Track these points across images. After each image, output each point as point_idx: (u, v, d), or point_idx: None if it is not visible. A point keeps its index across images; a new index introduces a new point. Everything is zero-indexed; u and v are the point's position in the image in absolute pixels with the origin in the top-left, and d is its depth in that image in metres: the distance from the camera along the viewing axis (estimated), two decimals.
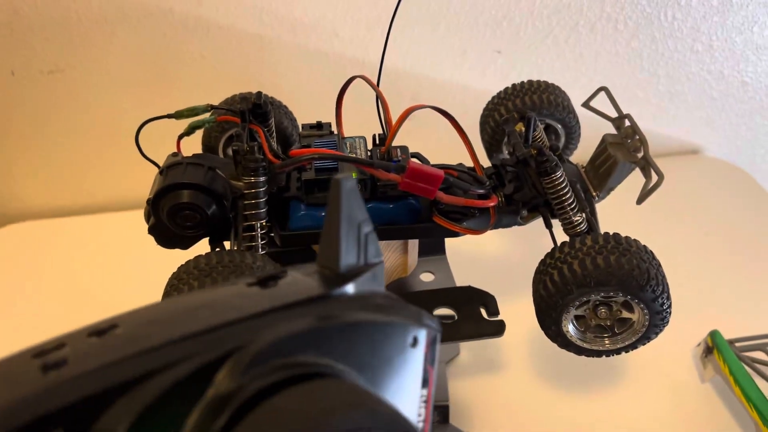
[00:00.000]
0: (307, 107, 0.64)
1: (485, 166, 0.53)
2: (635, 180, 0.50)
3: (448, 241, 0.62)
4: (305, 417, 0.18)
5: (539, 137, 0.53)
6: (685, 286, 0.75)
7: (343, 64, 0.83)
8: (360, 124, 0.56)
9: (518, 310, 0.54)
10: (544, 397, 0.66)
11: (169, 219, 0.46)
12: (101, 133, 0.86)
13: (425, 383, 0.26)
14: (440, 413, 0.64)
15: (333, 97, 0.52)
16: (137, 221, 0.50)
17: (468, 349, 0.70)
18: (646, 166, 0.48)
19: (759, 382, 0.62)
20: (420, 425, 0.27)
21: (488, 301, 0.54)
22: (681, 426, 0.64)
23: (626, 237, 0.46)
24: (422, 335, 0.25)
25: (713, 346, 0.66)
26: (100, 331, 0.21)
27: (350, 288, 0.25)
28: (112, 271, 0.80)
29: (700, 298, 0.76)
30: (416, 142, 0.56)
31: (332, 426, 0.18)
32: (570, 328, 0.46)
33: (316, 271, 0.25)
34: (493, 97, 0.61)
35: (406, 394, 0.25)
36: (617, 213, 0.57)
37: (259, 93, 0.51)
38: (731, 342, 0.66)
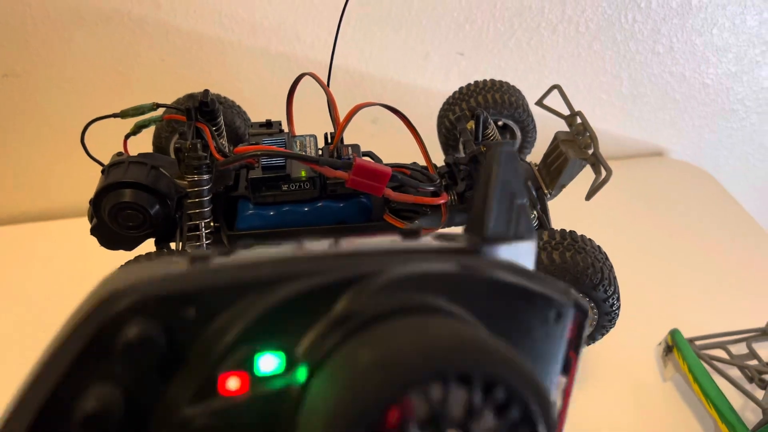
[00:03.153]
0: (269, 110, 0.63)
1: (440, 165, 0.53)
2: (607, 184, 0.49)
3: None
4: (418, 345, 0.18)
5: (492, 135, 0.53)
6: (648, 286, 0.76)
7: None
8: (315, 125, 0.55)
9: None
10: None
11: (110, 219, 0.45)
12: (59, 138, 0.84)
13: (566, 370, 0.25)
14: None
15: (294, 100, 0.52)
16: None
17: None
18: (596, 162, 0.48)
19: (718, 380, 0.62)
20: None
21: None
22: (642, 424, 0.64)
23: (581, 235, 0.45)
24: (568, 312, 0.23)
25: (673, 345, 0.66)
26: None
27: (498, 251, 0.23)
28: (71, 277, 0.78)
29: (662, 298, 0.76)
30: (377, 144, 0.56)
31: (451, 360, 0.18)
32: None
33: (462, 234, 0.24)
34: (450, 97, 0.61)
35: (543, 372, 0.24)
36: (580, 214, 0.57)
37: (206, 91, 0.50)
38: (691, 340, 0.66)
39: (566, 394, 0.25)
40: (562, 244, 0.43)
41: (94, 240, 0.48)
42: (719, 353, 0.65)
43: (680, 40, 0.88)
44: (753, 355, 0.65)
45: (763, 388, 0.60)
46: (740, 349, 0.66)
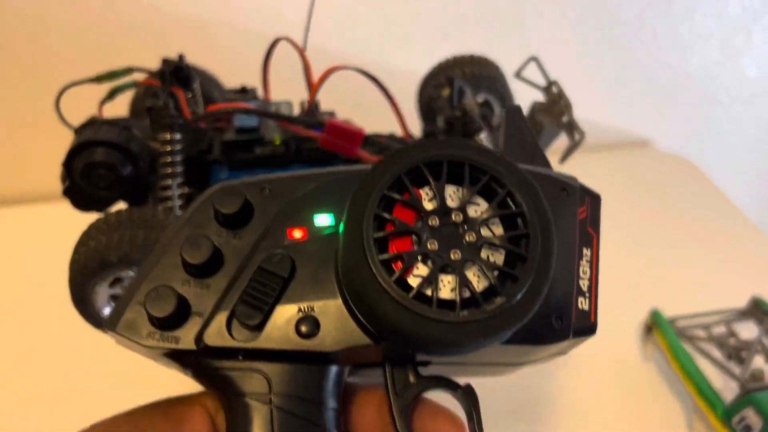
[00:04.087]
0: (247, 83, 0.63)
1: (419, 137, 0.53)
2: (593, 172, 0.49)
3: None
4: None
5: (469, 105, 0.53)
6: (630, 269, 0.76)
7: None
8: (291, 95, 0.55)
9: None
10: (489, 381, 0.66)
11: (82, 179, 0.44)
12: (35, 111, 0.83)
13: (588, 244, 0.29)
14: None
15: (276, 77, 0.51)
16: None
17: None
18: (570, 128, 0.48)
19: (698, 358, 0.62)
20: (586, 283, 0.29)
21: None
22: (623, 401, 0.64)
23: None
24: (573, 189, 0.29)
25: (653, 325, 0.66)
26: None
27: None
28: (54, 260, 0.77)
29: (643, 280, 0.76)
30: (359, 124, 0.55)
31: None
32: None
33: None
34: (429, 70, 0.61)
35: (560, 238, 0.27)
36: None
37: (181, 56, 0.50)
38: (671, 320, 0.66)
39: (593, 261, 0.29)
40: None
41: (69, 223, 0.48)
42: (699, 333, 0.65)
43: (664, 25, 0.89)
44: (732, 334, 0.65)
45: (741, 364, 0.60)
46: (720, 328, 0.66)
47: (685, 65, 0.93)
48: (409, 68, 0.87)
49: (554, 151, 0.54)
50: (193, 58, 0.60)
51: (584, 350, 0.66)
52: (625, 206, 0.88)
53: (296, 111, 0.51)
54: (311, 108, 0.47)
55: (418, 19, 0.83)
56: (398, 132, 0.52)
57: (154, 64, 0.61)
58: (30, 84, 0.82)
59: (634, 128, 1.00)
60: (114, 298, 0.43)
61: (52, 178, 0.88)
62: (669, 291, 0.74)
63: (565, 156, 0.46)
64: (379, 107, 0.52)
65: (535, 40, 0.87)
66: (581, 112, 0.53)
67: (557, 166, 0.52)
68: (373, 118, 0.72)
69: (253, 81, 0.72)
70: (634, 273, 0.76)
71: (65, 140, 0.49)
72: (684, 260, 0.80)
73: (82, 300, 0.42)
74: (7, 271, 0.77)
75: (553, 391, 0.65)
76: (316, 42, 0.80)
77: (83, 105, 0.50)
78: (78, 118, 0.49)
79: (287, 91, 0.59)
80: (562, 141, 0.53)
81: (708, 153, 1.04)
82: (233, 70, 0.82)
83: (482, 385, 0.63)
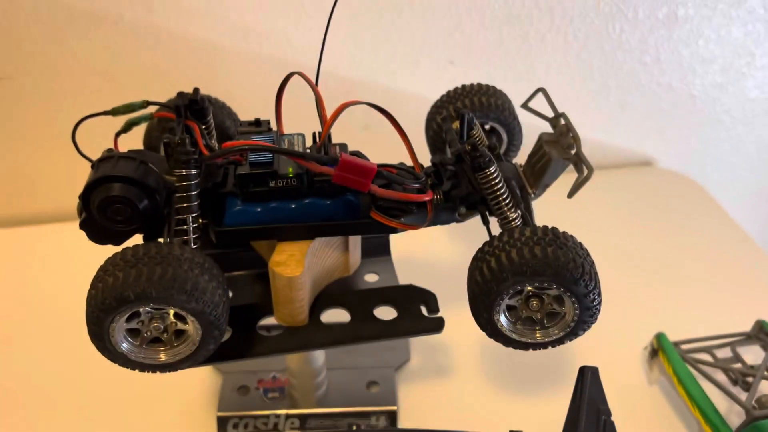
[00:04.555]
0: (259, 113, 0.64)
1: (427, 166, 0.54)
2: (597, 192, 0.50)
3: (397, 245, 0.62)
4: None
5: (477, 135, 0.54)
6: (634, 291, 0.77)
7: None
8: (304, 126, 0.56)
9: (469, 316, 0.53)
10: (494, 400, 0.66)
11: (99, 213, 0.45)
12: (51, 142, 0.85)
13: None
14: (388, 418, 0.63)
15: (285, 103, 0.52)
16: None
17: (418, 354, 0.70)
18: (578, 161, 0.48)
19: (703, 383, 0.62)
20: None
21: (428, 298, 0.54)
22: (627, 427, 0.63)
23: (563, 232, 0.46)
24: None
25: (659, 348, 0.66)
26: None
27: None
28: (65, 281, 0.78)
29: (648, 302, 0.77)
30: (366, 151, 0.56)
31: None
32: (501, 318, 0.46)
33: None
34: (438, 100, 0.61)
35: None
36: (568, 222, 0.58)
37: (196, 89, 0.51)
38: (676, 344, 0.66)
39: None
40: (544, 239, 0.44)
41: (83, 244, 0.48)
42: (704, 357, 0.66)
43: (667, 50, 0.90)
44: (737, 358, 0.65)
45: (746, 390, 0.61)
46: (725, 353, 0.66)
47: (688, 87, 0.94)
48: (414, 91, 0.89)
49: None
50: (206, 88, 0.61)
51: None
52: (629, 225, 0.89)
53: (308, 141, 0.52)
54: (324, 142, 0.48)
55: (424, 47, 0.85)
56: (407, 161, 0.53)
57: (168, 95, 0.62)
58: (44, 108, 0.83)
59: (637, 148, 1.01)
60: (130, 332, 0.44)
61: (61, 198, 0.89)
62: (673, 313, 0.75)
63: (574, 191, 0.47)
64: (386, 130, 0.52)
65: (539, 64, 0.88)
66: (585, 131, 0.53)
67: (570, 212, 0.53)
68: (381, 140, 0.73)
69: (265, 107, 0.73)
70: (637, 295, 0.77)
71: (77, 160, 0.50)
72: (688, 282, 0.80)
73: (99, 334, 0.43)
74: (25, 289, 0.78)
75: (557, 414, 0.65)
76: (326, 68, 0.81)
77: (98, 135, 0.51)
78: (92, 147, 0.50)
79: (299, 117, 0.60)
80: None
81: (709, 173, 1.05)
82: (245, 97, 0.83)
83: (484, 411, 0.63)
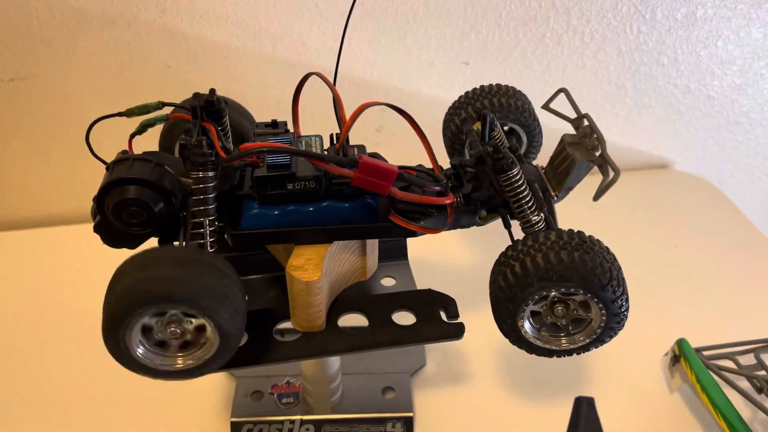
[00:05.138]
0: (274, 114, 0.63)
1: (446, 168, 0.52)
2: (612, 196, 0.49)
3: (413, 249, 0.61)
4: None
5: (498, 137, 0.53)
6: (654, 296, 0.75)
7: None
8: (321, 127, 0.55)
9: (485, 321, 0.52)
10: (511, 407, 0.65)
11: (114, 216, 0.44)
12: (64, 142, 0.84)
13: None
14: (404, 425, 0.62)
15: (299, 105, 0.52)
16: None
17: (434, 360, 0.69)
18: (603, 163, 0.47)
19: (726, 390, 0.61)
20: None
21: (448, 303, 0.52)
22: None
23: (590, 236, 0.45)
24: None
25: (680, 355, 0.65)
26: None
27: None
28: (80, 284, 0.77)
29: (668, 308, 0.75)
30: (382, 153, 0.55)
31: None
32: (525, 324, 0.45)
33: None
34: (456, 100, 0.60)
35: None
36: (586, 225, 0.57)
37: (212, 90, 0.50)
38: (698, 350, 0.65)
39: None
40: (570, 243, 0.43)
41: (96, 247, 0.48)
42: (727, 363, 0.64)
43: (685, 51, 0.88)
44: (761, 365, 0.64)
45: None
46: (748, 359, 0.65)
47: (706, 89, 0.93)
48: (429, 92, 0.88)
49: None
50: (220, 89, 0.60)
51: (608, 382, 0.66)
52: (647, 229, 0.88)
53: (326, 143, 0.51)
54: (343, 144, 0.47)
55: (439, 46, 0.84)
56: (426, 163, 0.51)
57: (180, 97, 0.61)
58: (57, 109, 0.83)
59: (653, 150, 1.00)
60: (146, 337, 0.42)
61: (75, 201, 0.88)
62: (693, 319, 0.73)
63: (600, 194, 0.45)
64: (400, 131, 0.51)
65: (555, 65, 0.87)
66: (601, 133, 0.52)
67: (589, 216, 0.52)
68: (394, 141, 0.72)
69: (278, 109, 0.72)
70: (657, 300, 0.75)
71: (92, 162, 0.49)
72: (708, 286, 0.79)
73: (115, 338, 0.42)
74: (38, 291, 0.77)
75: None
76: (341, 69, 0.81)
77: (112, 137, 0.50)
78: (107, 149, 0.49)
79: (314, 119, 0.59)
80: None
81: (726, 176, 1.03)
82: (258, 99, 0.83)
83: (501, 419, 0.62)
